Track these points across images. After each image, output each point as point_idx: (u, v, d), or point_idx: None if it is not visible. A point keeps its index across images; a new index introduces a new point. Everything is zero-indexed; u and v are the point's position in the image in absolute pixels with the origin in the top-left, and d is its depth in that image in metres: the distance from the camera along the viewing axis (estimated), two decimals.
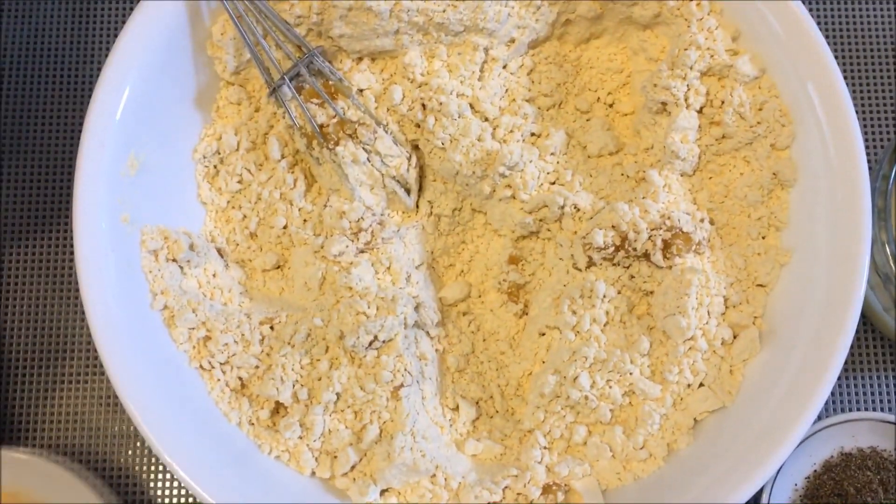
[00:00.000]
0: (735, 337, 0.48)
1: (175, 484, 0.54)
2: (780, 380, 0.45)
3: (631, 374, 0.47)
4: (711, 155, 0.50)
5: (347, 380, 0.46)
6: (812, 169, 0.48)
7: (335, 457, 0.46)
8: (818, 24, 0.48)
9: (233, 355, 0.47)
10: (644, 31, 0.53)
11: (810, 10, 0.56)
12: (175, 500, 0.54)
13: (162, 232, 0.48)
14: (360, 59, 0.51)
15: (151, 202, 0.48)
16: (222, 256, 0.50)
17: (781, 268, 0.48)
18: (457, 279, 0.52)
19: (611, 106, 0.54)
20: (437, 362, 0.50)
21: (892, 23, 0.61)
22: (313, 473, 0.47)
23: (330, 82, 0.50)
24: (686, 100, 0.49)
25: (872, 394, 0.56)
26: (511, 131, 0.51)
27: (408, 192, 0.52)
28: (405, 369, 0.47)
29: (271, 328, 0.48)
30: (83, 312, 0.47)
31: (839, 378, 0.44)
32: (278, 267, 0.51)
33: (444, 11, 0.49)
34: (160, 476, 0.54)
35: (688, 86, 0.49)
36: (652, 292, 0.49)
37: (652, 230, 0.47)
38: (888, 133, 0.59)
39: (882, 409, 0.56)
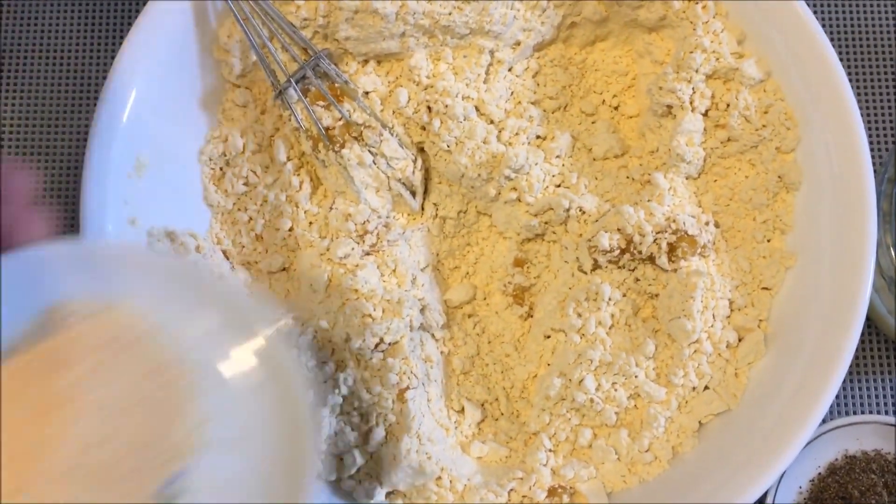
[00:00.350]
0: (740, 340, 0.48)
1: None
2: (785, 383, 0.45)
3: (636, 376, 0.47)
4: (716, 158, 0.50)
5: (353, 382, 0.46)
6: (817, 172, 0.48)
7: (341, 459, 0.46)
8: (823, 27, 0.48)
9: None
10: (649, 34, 0.53)
11: (815, 13, 0.56)
12: None
13: (168, 234, 0.48)
14: (366, 61, 0.51)
15: (158, 204, 0.48)
16: (228, 258, 0.51)
17: (786, 271, 0.48)
18: (462, 281, 0.53)
19: (616, 108, 0.54)
20: (443, 364, 0.50)
21: None
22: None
23: (336, 85, 0.50)
24: (691, 103, 0.50)
25: (877, 397, 0.56)
26: (516, 134, 0.51)
27: (413, 194, 0.52)
28: (411, 372, 0.47)
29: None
30: None
31: (843, 381, 0.44)
32: (284, 269, 0.51)
33: (449, 14, 0.49)
34: None
35: (693, 89, 0.49)
36: (657, 295, 0.49)
37: (657, 233, 0.47)
38: (893, 136, 0.59)
39: (886, 412, 0.56)
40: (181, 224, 0.49)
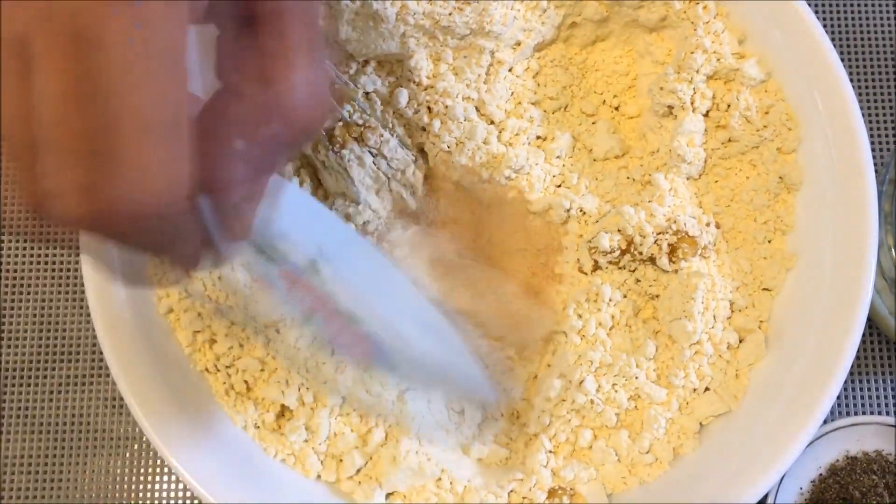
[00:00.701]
0: (741, 341, 0.48)
1: (179, 486, 0.54)
2: (786, 384, 0.45)
3: (637, 378, 0.47)
4: (717, 159, 0.50)
5: (353, 383, 0.46)
6: (818, 173, 0.48)
7: (340, 460, 0.46)
8: (824, 27, 0.48)
9: (238, 358, 0.47)
10: (650, 34, 0.52)
11: (816, 13, 0.55)
12: (180, 503, 0.54)
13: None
14: (366, 62, 0.51)
15: None
16: None
17: (787, 272, 0.48)
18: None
19: (616, 109, 0.54)
20: None
21: None
22: (319, 477, 0.47)
23: (335, 86, 0.49)
24: (692, 103, 0.49)
25: (878, 397, 0.56)
26: (517, 134, 0.51)
27: (413, 195, 0.51)
28: None
29: (277, 331, 0.48)
30: (88, 314, 0.47)
31: (844, 382, 0.44)
32: None
33: (450, 15, 0.49)
34: (165, 478, 0.54)
35: (694, 89, 0.49)
36: (658, 296, 0.48)
37: (658, 234, 0.47)
38: (895, 137, 0.59)
39: (887, 413, 0.56)
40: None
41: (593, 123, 0.53)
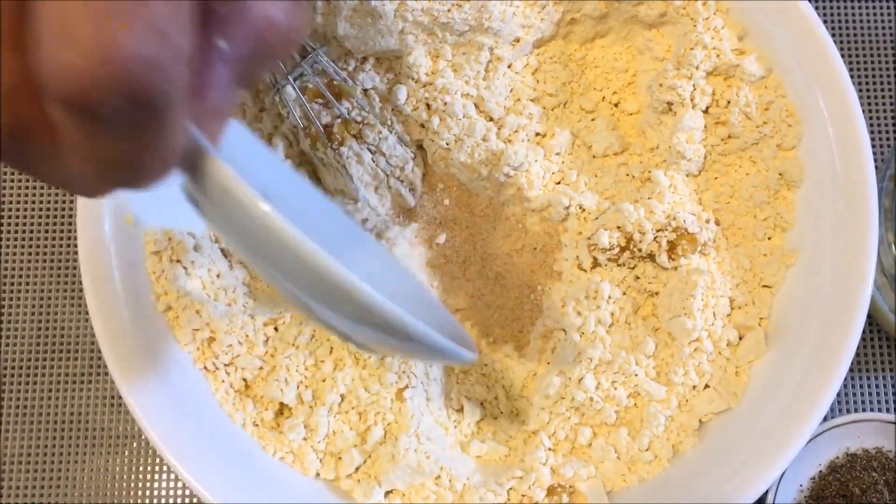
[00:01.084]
0: (741, 338, 0.48)
1: (179, 485, 0.54)
2: (785, 381, 0.45)
3: (636, 375, 0.47)
4: (717, 155, 0.50)
5: (352, 381, 0.46)
6: (818, 169, 0.47)
7: (339, 458, 0.46)
8: (824, 23, 0.48)
9: (237, 356, 0.47)
10: (650, 31, 0.52)
11: (816, 9, 0.55)
12: (178, 501, 0.54)
13: (166, 233, 0.48)
14: (365, 59, 0.51)
15: (155, 203, 0.48)
16: (226, 257, 0.50)
17: (787, 269, 0.48)
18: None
19: (616, 105, 0.54)
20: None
21: None
22: (317, 475, 0.47)
23: (334, 82, 0.49)
24: (692, 99, 0.49)
25: (878, 395, 0.56)
26: (516, 131, 0.50)
27: (412, 192, 0.51)
28: (410, 370, 0.46)
29: (275, 329, 0.48)
30: (87, 313, 0.47)
31: (844, 379, 0.44)
32: None
33: (448, 11, 0.49)
34: (164, 476, 0.54)
35: (693, 85, 0.49)
36: (657, 293, 0.48)
37: (657, 231, 0.47)
38: (895, 133, 0.59)
39: (888, 410, 0.55)
40: (179, 223, 0.49)
41: (592, 120, 0.53)
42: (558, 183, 0.51)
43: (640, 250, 0.47)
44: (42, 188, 0.57)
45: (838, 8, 0.61)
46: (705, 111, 0.50)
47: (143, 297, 0.46)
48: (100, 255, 0.45)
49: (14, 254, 0.57)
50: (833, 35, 0.60)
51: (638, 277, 0.49)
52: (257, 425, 0.47)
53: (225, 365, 0.47)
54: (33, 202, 0.57)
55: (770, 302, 0.48)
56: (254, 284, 0.51)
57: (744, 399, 0.47)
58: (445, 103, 0.49)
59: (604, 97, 0.54)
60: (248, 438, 0.46)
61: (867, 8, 0.61)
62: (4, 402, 0.55)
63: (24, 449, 0.54)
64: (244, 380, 0.47)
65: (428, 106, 0.50)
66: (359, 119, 0.49)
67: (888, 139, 0.59)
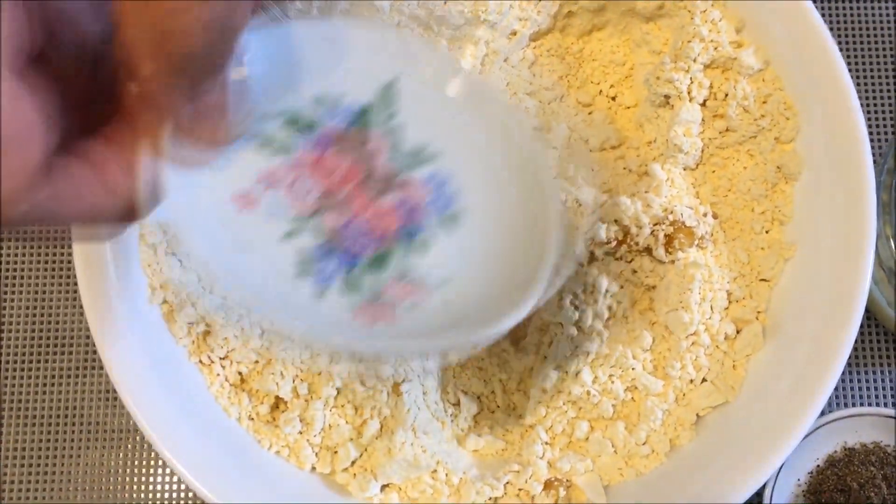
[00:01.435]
0: (738, 332, 0.47)
1: (174, 479, 0.54)
2: (783, 375, 0.45)
3: (633, 369, 0.47)
4: (715, 148, 0.50)
5: (348, 375, 0.46)
6: (816, 162, 0.47)
7: (335, 452, 0.46)
8: (822, 16, 0.47)
9: (232, 350, 0.47)
10: (647, 24, 0.52)
11: (814, 1, 0.55)
12: (174, 496, 0.53)
13: (161, 226, 0.47)
14: None
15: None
16: None
17: (785, 262, 0.48)
18: None
19: (613, 99, 0.53)
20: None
21: None
22: (313, 469, 0.46)
23: None
24: (689, 93, 0.49)
25: (876, 389, 0.56)
26: None
27: None
28: (406, 364, 0.46)
29: (271, 323, 0.47)
30: (82, 306, 0.47)
31: (842, 373, 0.44)
32: None
33: (444, 4, 0.48)
34: (159, 471, 0.54)
35: (691, 78, 0.49)
36: (654, 287, 0.48)
37: (655, 225, 0.47)
38: (893, 126, 0.59)
39: (885, 405, 0.55)
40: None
41: (589, 114, 0.53)
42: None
43: (637, 244, 0.47)
44: None
45: (836, 2, 0.61)
46: (703, 104, 0.50)
47: (137, 291, 0.46)
48: (94, 247, 0.44)
49: (8, 247, 0.56)
50: (831, 28, 0.60)
51: (635, 271, 0.48)
52: (253, 419, 0.46)
53: (220, 359, 0.47)
54: None
55: (768, 295, 0.48)
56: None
57: (741, 393, 0.46)
58: None
59: (601, 91, 0.53)
60: (243, 432, 0.46)
61: (866, 1, 0.61)
62: None
63: (18, 444, 0.54)
64: (239, 373, 0.47)
65: None
66: None
67: (886, 132, 0.59)
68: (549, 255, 0.31)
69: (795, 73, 0.48)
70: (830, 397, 0.49)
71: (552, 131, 0.51)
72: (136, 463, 0.54)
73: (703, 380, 0.47)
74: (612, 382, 0.47)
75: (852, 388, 0.56)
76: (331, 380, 0.46)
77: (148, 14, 0.23)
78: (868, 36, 0.60)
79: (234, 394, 0.47)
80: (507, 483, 0.46)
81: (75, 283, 0.56)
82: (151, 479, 0.54)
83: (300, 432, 0.46)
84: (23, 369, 0.55)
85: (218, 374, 0.47)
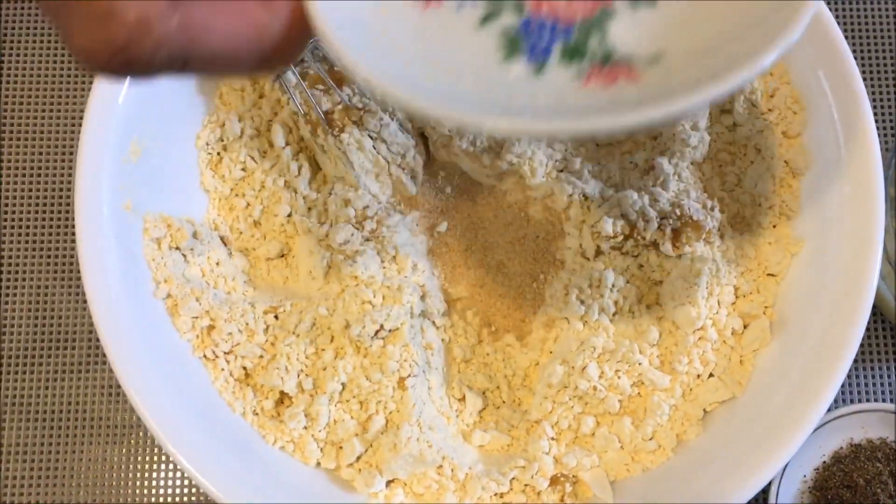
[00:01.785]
0: (745, 327, 0.47)
1: (178, 474, 0.53)
2: (790, 370, 0.45)
3: (640, 364, 0.46)
4: (722, 143, 0.50)
5: (353, 370, 0.46)
6: (824, 157, 0.47)
7: (340, 447, 0.46)
8: (829, 9, 0.47)
9: (237, 344, 0.46)
10: None
11: None
12: (178, 491, 0.53)
13: (165, 220, 0.47)
14: None
15: (154, 189, 0.47)
16: (226, 245, 0.50)
17: (792, 257, 0.48)
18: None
19: None
20: (444, 352, 0.49)
21: None
22: (318, 464, 0.46)
23: (335, 68, 0.49)
24: None
25: (882, 384, 0.55)
26: None
27: (414, 179, 0.51)
28: (411, 359, 0.46)
29: (276, 317, 0.47)
30: (85, 301, 0.47)
31: (849, 369, 0.44)
32: (282, 255, 0.51)
33: None
34: (163, 466, 0.54)
35: None
36: (661, 282, 0.48)
37: (661, 219, 0.47)
38: None
39: (892, 401, 0.55)
40: (178, 210, 0.48)
41: None
42: (561, 171, 0.50)
43: (643, 238, 0.47)
44: (39, 175, 0.57)
45: None
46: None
47: (142, 285, 0.46)
48: (98, 242, 0.44)
49: (11, 242, 0.56)
50: (839, 21, 0.59)
51: (642, 266, 0.48)
52: (257, 414, 0.46)
53: (225, 353, 0.46)
54: (31, 190, 0.57)
55: (775, 290, 0.48)
56: (253, 273, 0.50)
57: (748, 388, 0.46)
58: None
59: None
60: (248, 427, 0.46)
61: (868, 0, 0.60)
62: (2, 393, 0.54)
63: (21, 439, 0.54)
64: (244, 368, 0.47)
65: None
66: (360, 106, 0.49)
67: (894, 127, 0.58)
68: None
69: (803, 66, 0.47)
70: (837, 393, 0.49)
71: None
72: (139, 458, 0.54)
73: (710, 375, 0.47)
74: (619, 377, 0.46)
75: (859, 384, 0.55)
76: (336, 374, 0.45)
77: None
78: (874, 29, 0.60)
79: (238, 388, 0.46)
80: (513, 479, 0.46)
81: (78, 278, 0.56)
82: (154, 474, 0.53)
83: (305, 427, 0.46)
84: (25, 364, 0.55)
85: (223, 369, 0.46)
